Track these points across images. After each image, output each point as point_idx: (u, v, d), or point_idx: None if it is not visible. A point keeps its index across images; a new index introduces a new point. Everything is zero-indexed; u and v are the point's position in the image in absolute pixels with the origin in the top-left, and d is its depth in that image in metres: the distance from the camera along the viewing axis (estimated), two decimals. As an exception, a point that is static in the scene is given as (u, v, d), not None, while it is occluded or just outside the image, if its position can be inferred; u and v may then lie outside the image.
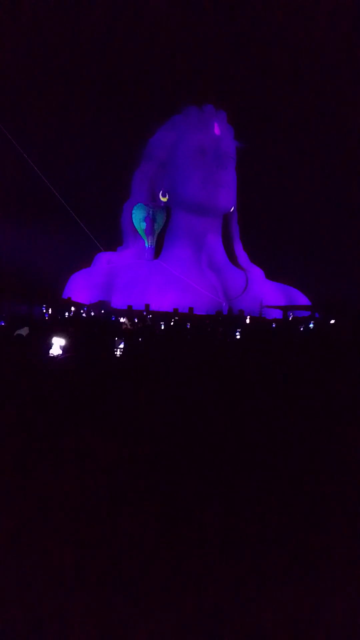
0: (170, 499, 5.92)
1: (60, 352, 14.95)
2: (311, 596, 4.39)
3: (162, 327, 37.39)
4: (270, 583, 4.51)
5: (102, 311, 54.46)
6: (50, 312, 50.42)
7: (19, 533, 5.05)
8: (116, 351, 17.99)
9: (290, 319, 56.34)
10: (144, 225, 67.37)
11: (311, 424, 9.33)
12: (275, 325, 44.78)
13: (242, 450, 7.65)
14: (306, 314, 59.00)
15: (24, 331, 20.48)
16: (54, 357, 14.70)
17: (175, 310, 54.16)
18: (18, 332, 19.99)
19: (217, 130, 65.28)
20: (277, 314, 59.63)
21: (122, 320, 37.60)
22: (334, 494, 6.34)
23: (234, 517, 5.56)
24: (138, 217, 67.59)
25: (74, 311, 53.06)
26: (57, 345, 15.10)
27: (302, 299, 67.53)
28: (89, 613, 4.06)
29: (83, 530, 5.15)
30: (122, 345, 18.69)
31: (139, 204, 67.57)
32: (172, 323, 40.97)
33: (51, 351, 14.96)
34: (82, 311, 54.01)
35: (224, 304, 61.43)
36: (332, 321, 45.82)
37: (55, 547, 4.83)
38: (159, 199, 67.52)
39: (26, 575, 4.43)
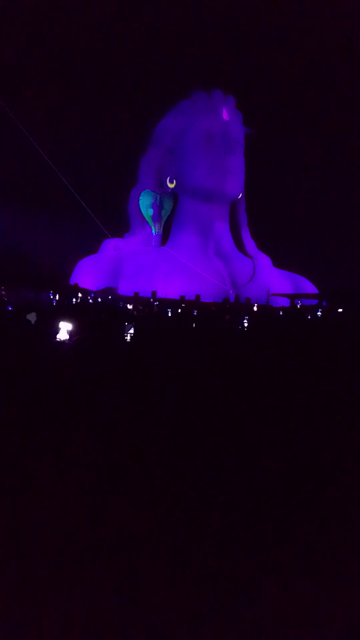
0: (171, 497, 5.85)
1: (68, 337, 14.92)
2: (311, 595, 4.35)
3: (169, 314, 37.31)
4: (270, 582, 4.46)
5: (110, 297, 54.42)
6: (57, 299, 50.45)
7: (18, 531, 4.99)
8: (126, 336, 17.95)
9: (298, 307, 56.07)
10: (151, 211, 66.93)
11: (316, 418, 9.21)
12: (283, 313, 44.56)
13: (243, 447, 7.54)
14: (314, 302, 58.66)
15: (32, 317, 20.53)
16: (61, 342, 14.67)
17: (182, 297, 53.96)
18: (27, 317, 20.07)
19: (225, 115, 64.39)
20: (285, 302, 59.32)
21: (129, 307, 37.56)
22: (336, 492, 6.25)
23: (235, 516, 5.48)
24: (145, 204, 67.13)
25: (81, 297, 53.06)
26: (65, 330, 15.07)
27: (310, 287, 67.10)
28: (89, 613, 4.01)
29: (82, 529, 5.08)
30: (132, 331, 18.64)
31: (146, 190, 67.06)
32: (179, 310, 40.86)
33: (58, 336, 14.93)
34: (89, 297, 53.99)
35: (231, 292, 61.14)
36: (340, 310, 45.55)
37: (55, 546, 4.77)
38: (167, 185, 66.93)
39: (26, 575, 4.38)
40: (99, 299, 52.96)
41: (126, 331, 18.24)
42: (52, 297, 50.67)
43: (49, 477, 6.16)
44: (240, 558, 4.79)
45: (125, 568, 4.53)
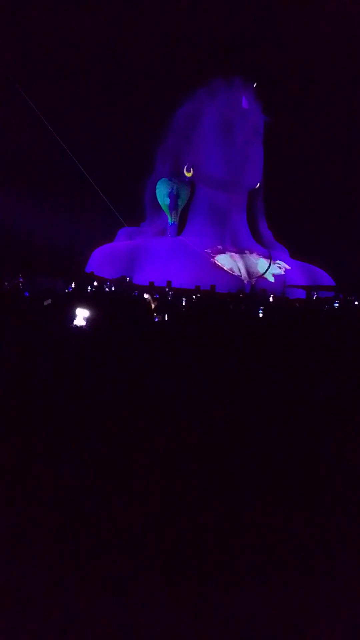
0: (171, 495, 5.81)
1: (84, 323, 15.00)
2: (311, 595, 4.32)
3: (184, 304, 37.35)
4: (270, 581, 4.43)
5: (127, 279, 54.50)
6: (73, 286, 50.75)
7: (18, 530, 4.99)
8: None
9: (314, 299, 55.66)
10: (167, 200, 66.54)
11: (321, 414, 9.09)
12: (299, 305, 44.28)
13: (245, 443, 7.46)
14: (330, 294, 58.14)
15: (47, 302, 20.77)
16: (78, 327, 14.75)
17: (197, 287, 53.84)
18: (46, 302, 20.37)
19: (244, 104, 63.66)
20: (301, 294, 58.90)
21: (146, 296, 37.65)
22: (337, 489, 6.18)
23: (234, 515, 5.44)
24: (162, 193, 66.72)
25: (96, 285, 53.26)
26: (81, 316, 15.15)
27: (327, 279, 66.45)
28: (88, 613, 4.01)
29: (82, 529, 5.05)
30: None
31: (163, 179, 66.64)
32: (193, 300, 40.85)
33: (75, 322, 15.02)
34: (105, 286, 54.19)
35: (246, 283, 60.85)
36: (357, 302, 45.05)
37: (54, 546, 4.75)
38: (183, 174, 66.48)
39: (26, 575, 4.37)
40: (114, 288, 53.16)
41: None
42: (68, 284, 50.95)
43: (46, 474, 6.11)
44: (241, 557, 4.75)
45: (124, 568, 4.51)
